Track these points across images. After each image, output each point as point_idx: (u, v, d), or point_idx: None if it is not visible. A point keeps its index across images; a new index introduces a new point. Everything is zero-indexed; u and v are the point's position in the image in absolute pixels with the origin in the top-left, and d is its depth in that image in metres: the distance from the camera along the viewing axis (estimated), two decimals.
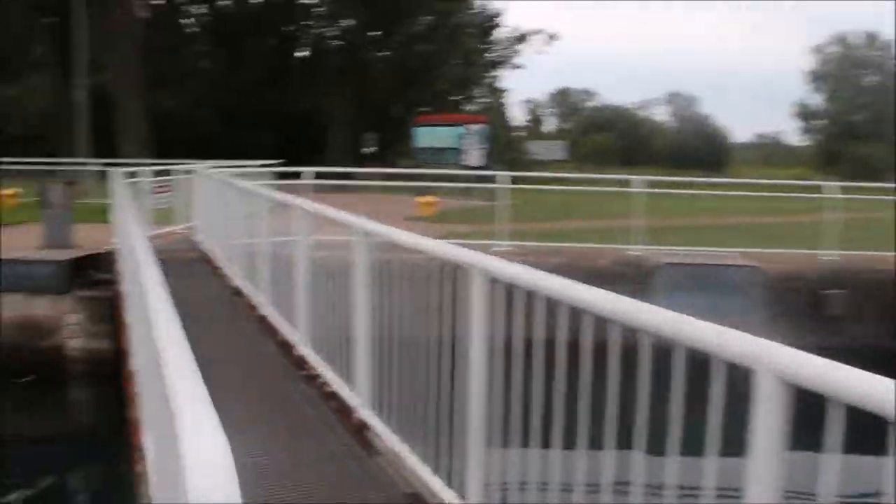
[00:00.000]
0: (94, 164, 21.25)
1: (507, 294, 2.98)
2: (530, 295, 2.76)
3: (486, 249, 4.84)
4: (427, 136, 26.42)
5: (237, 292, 8.20)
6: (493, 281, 3.06)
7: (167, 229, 13.58)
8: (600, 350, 2.45)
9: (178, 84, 43.71)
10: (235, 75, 45.16)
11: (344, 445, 4.43)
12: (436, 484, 3.50)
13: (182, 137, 37.41)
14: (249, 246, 7.74)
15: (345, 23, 37.87)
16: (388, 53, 35.89)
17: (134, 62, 28.78)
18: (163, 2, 44.86)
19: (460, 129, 25.97)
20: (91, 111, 34.43)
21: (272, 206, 7.36)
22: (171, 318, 2.28)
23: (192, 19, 48.30)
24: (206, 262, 10.33)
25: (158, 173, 13.68)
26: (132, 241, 5.26)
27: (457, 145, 26.07)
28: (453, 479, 3.39)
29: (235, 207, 8.93)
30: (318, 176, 13.49)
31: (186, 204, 13.81)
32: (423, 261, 3.78)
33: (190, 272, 9.57)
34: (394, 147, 37.82)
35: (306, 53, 49.26)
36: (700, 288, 11.07)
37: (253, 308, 7.41)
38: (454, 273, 3.37)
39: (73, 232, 11.92)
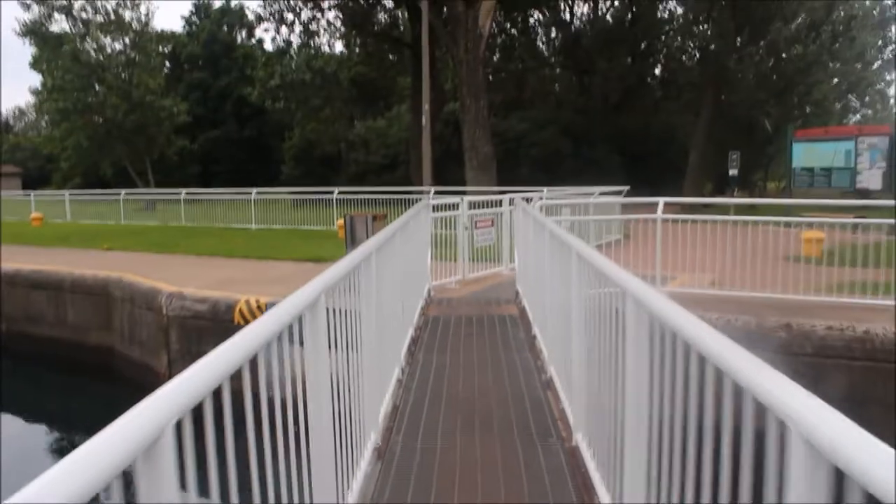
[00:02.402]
0: (422, 193, 20.39)
1: None
2: None
3: None
4: (808, 155, 21.80)
5: (549, 385, 5.71)
6: None
7: (489, 271, 11.64)
8: None
9: (528, 106, 43.29)
10: (586, 96, 43.83)
11: None
12: None
13: (529, 159, 36.61)
14: (558, 306, 5.25)
15: (699, 33, 34.21)
16: (753, 61, 31.45)
17: (482, 88, 28.12)
18: (514, 30, 44.89)
19: (851, 145, 20.98)
20: (442, 139, 35.18)
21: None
22: None
23: (544, 43, 47.99)
24: (522, 323, 8.04)
25: (481, 204, 11.83)
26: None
27: (847, 165, 21.19)
28: None
29: (538, 248, 6.61)
30: (668, 207, 10.62)
31: (512, 240, 11.83)
32: None
33: (493, 340, 7.32)
34: (759, 168, 33.20)
35: (659, 70, 46.60)
36: None
37: (565, 425, 4.85)
38: None
39: None
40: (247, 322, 9.11)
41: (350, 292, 3.71)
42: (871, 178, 20.73)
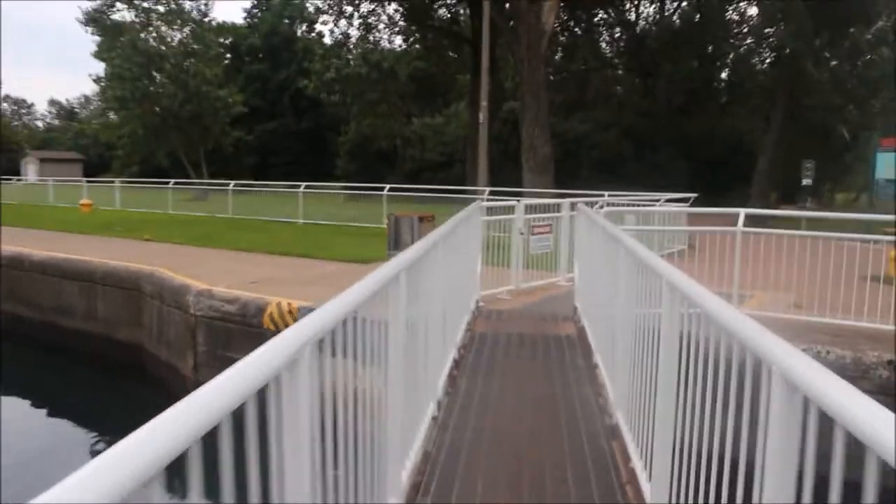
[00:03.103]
0: (476, 193, 19.47)
1: None
2: None
3: None
4: (892, 165, 20.25)
5: (615, 433, 4.69)
6: None
7: (545, 280, 10.63)
8: None
9: (589, 108, 42.10)
10: (649, 98, 42.45)
11: None
12: None
13: (589, 161, 35.48)
14: (632, 339, 4.26)
15: (775, 33, 32.48)
16: (831, 65, 29.69)
17: (543, 87, 27.06)
18: (577, 29, 43.68)
19: None
20: (500, 138, 34.21)
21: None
22: None
23: (607, 44, 46.67)
24: (581, 346, 7.02)
25: (538, 208, 10.84)
26: None
27: None
28: None
29: (607, 262, 5.63)
30: (749, 219, 9.51)
31: (570, 247, 10.83)
32: None
33: (548, 366, 6.30)
34: (833, 177, 31.44)
35: (726, 74, 44.89)
36: None
37: (635, 492, 3.87)
38: None
39: None
40: (276, 328, 8.28)
41: (364, 329, 2.79)
42: None
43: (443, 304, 5.35)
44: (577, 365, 6.34)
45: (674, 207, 14.63)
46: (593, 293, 6.89)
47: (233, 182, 25.41)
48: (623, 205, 13.69)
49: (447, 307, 5.65)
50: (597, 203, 12.69)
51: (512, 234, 9.84)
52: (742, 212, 8.31)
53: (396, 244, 9.09)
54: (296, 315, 8.78)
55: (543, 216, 10.53)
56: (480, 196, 20.27)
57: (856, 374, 6.79)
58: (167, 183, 27.87)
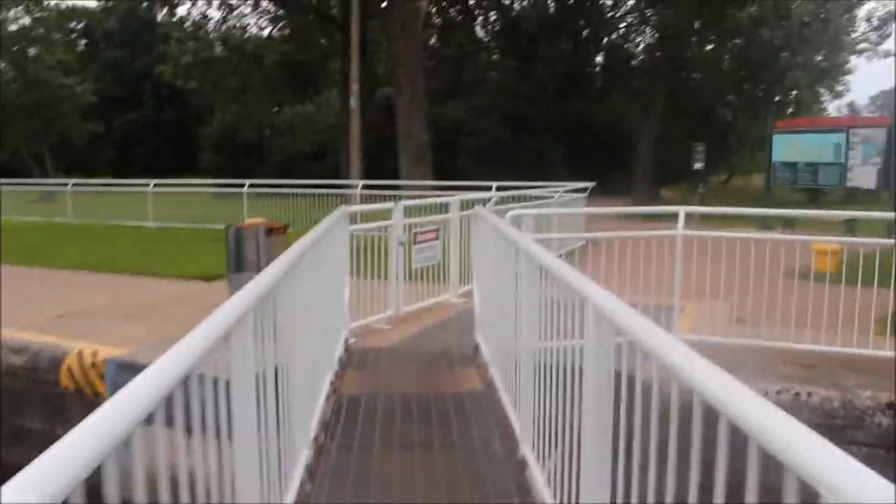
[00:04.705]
0: (349, 187, 17.45)
1: None
2: None
3: None
4: (790, 148, 19.40)
5: None
6: None
7: (431, 300, 8.68)
8: None
9: (466, 93, 40.64)
10: (527, 83, 41.41)
11: None
12: None
13: (466, 149, 33.99)
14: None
15: (657, 13, 31.70)
16: (711, 47, 29.12)
17: (419, 69, 25.17)
18: (453, 12, 42.16)
19: (841, 138, 18.58)
20: (375, 127, 32.07)
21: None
22: None
23: (482, 27, 45.38)
24: (492, 412, 5.06)
25: (421, 210, 8.91)
26: None
27: (837, 160, 18.83)
28: None
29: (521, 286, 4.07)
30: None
31: (463, 255, 8.96)
32: None
33: (450, 463, 4.21)
34: (718, 162, 30.99)
35: (603, 56, 44.43)
36: None
37: None
38: None
39: None
40: (78, 387, 5.99)
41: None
42: (864, 175, 18.41)
43: (291, 372, 3.45)
44: (493, 454, 4.37)
45: (582, 209, 13.09)
46: (502, 326, 5.03)
47: (72, 181, 22.25)
48: (516, 199, 11.94)
49: (299, 371, 3.70)
50: (488, 199, 10.89)
51: (389, 243, 7.85)
52: (682, 210, 6.62)
53: (238, 264, 6.95)
54: (101, 370, 6.53)
55: (428, 220, 8.60)
56: (352, 190, 18.21)
57: (847, 423, 5.23)
58: None
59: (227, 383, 2.28)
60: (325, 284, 5.23)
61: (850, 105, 51.23)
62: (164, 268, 11.89)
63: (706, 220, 11.79)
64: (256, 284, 2.80)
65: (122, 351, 6.64)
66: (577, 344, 2.89)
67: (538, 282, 3.79)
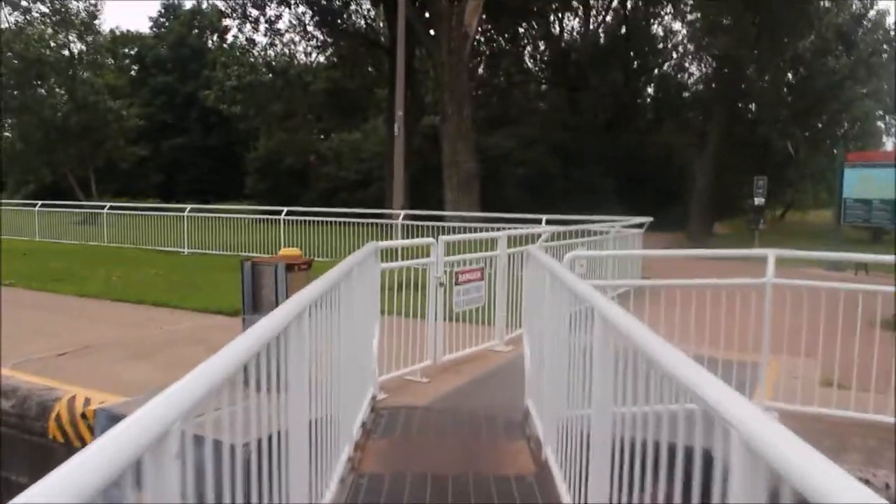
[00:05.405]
0: (391, 216, 16.61)
1: None
2: None
3: None
4: (864, 183, 18.08)
5: None
6: None
7: (475, 347, 7.68)
8: None
9: (513, 123, 39.85)
10: (576, 114, 40.48)
11: None
12: None
13: (514, 179, 33.08)
14: None
15: (716, 41, 30.57)
16: (769, 77, 27.82)
17: (466, 96, 24.43)
18: (500, 39, 41.55)
19: None
20: (421, 154, 31.35)
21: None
22: None
23: (531, 57, 44.68)
24: (544, 495, 4.08)
25: (463, 246, 7.96)
26: None
27: None
28: None
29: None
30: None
31: (511, 296, 7.98)
32: None
33: None
34: (777, 196, 29.55)
35: (654, 87, 43.35)
36: None
37: None
38: None
39: None
40: (66, 439, 5.12)
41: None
42: None
43: (301, 425, 2.65)
44: None
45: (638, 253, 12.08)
46: (558, 390, 4.06)
47: (109, 203, 21.82)
48: (569, 235, 10.94)
49: (300, 437, 2.85)
50: (538, 234, 9.91)
51: (429, 282, 6.91)
52: (771, 254, 5.54)
53: (255, 304, 6.09)
54: (90, 419, 5.68)
55: (472, 256, 7.64)
56: (394, 219, 17.38)
57: None
58: (34, 205, 24.04)
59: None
60: (348, 334, 4.32)
61: None
62: (186, 299, 11.09)
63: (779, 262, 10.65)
64: (254, 334, 2.34)
65: (118, 398, 5.79)
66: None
67: (613, 364, 2.85)
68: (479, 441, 4.99)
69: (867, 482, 4.52)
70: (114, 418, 5.42)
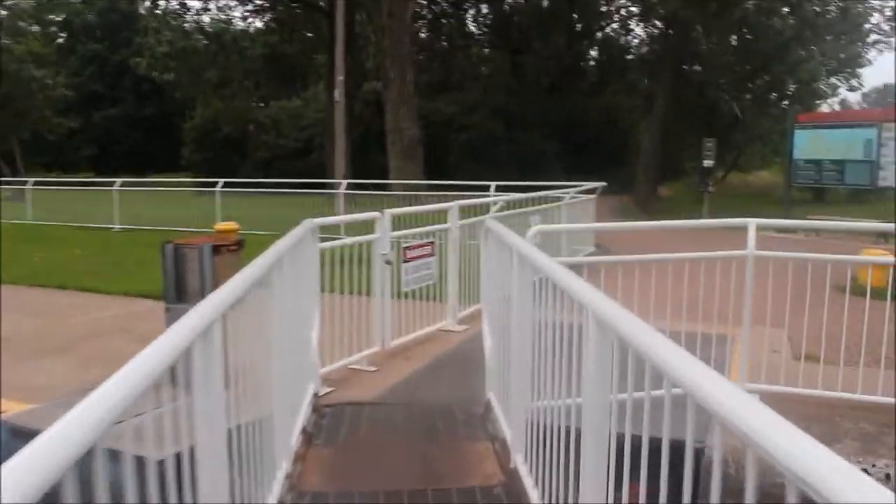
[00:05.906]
0: (332, 185, 15.91)
1: None
2: None
3: None
4: (814, 144, 17.88)
5: None
6: None
7: (427, 328, 7.13)
8: None
9: (456, 88, 39.17)
10: (519, 78, 39.95)
11: None
12: None
13: (458, 145, 32.51)
14: None
15: (655, 5, 30.18)
16: (716, 39, 27.55)
17: (408, 61, 23.62)
18: (445, 5, 40.71)
19: (873, 134, 17.05)
20: (363, 121, 30.50)
21: None
22: None
23: (474, 20, 43.90)
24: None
25: (411, 219, 7.37)
26: None
27: (867, 157, 17.32)
28: None
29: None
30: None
31: (464, 271, 7.44)
32: None
33: None
34: (723, 158, 29.41)
35: (598, 49, 42.97)
36: None
37: None
38: None
39: None
40: None
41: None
42: None
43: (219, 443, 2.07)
44: None
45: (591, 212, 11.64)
46: (527, 386, 3.53)
47: (32, 179, 20.60)
48: (521, 203, 10.40)
49: (217, 457, 2.28)
50: (490, 203, 9.37)
51: (374, 259, 6.31)
52: (751, 224, 5.06)
53: (179, 292, 5.41)
54: None
55: (422, 231, 7.05)
56: (335, 190, 16.64)
57: None
58: None
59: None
60: (282, 329, 3.72)
61: (843, 102, 48.97)
62: (113, 283, 10.27)
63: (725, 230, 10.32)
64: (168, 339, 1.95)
65: (24, 406, 5.10)
66: None
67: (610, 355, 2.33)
68: (437, 443, 4.43)
69: (866, 472, 4.13)
70: (15, 432, 4.75)
